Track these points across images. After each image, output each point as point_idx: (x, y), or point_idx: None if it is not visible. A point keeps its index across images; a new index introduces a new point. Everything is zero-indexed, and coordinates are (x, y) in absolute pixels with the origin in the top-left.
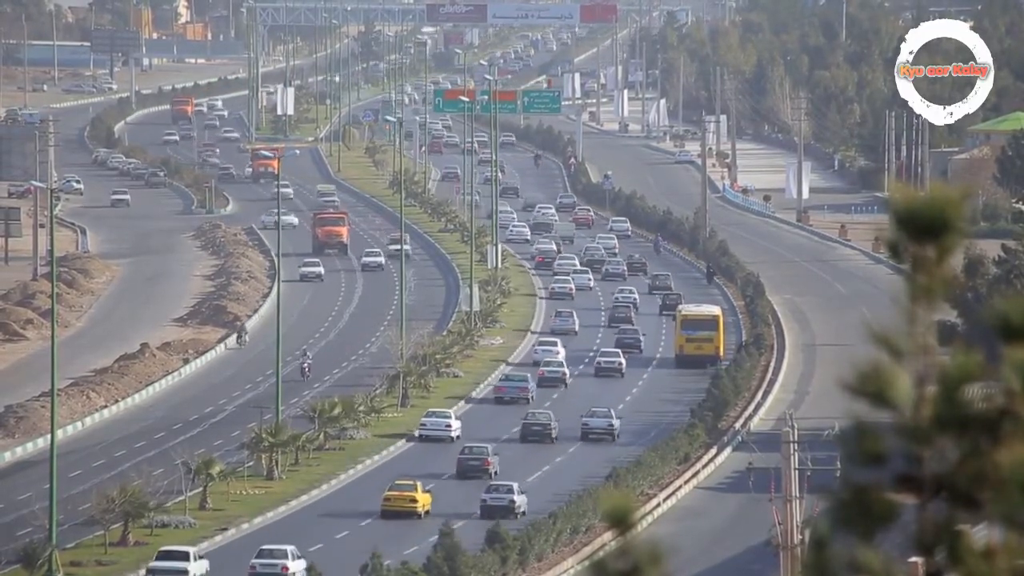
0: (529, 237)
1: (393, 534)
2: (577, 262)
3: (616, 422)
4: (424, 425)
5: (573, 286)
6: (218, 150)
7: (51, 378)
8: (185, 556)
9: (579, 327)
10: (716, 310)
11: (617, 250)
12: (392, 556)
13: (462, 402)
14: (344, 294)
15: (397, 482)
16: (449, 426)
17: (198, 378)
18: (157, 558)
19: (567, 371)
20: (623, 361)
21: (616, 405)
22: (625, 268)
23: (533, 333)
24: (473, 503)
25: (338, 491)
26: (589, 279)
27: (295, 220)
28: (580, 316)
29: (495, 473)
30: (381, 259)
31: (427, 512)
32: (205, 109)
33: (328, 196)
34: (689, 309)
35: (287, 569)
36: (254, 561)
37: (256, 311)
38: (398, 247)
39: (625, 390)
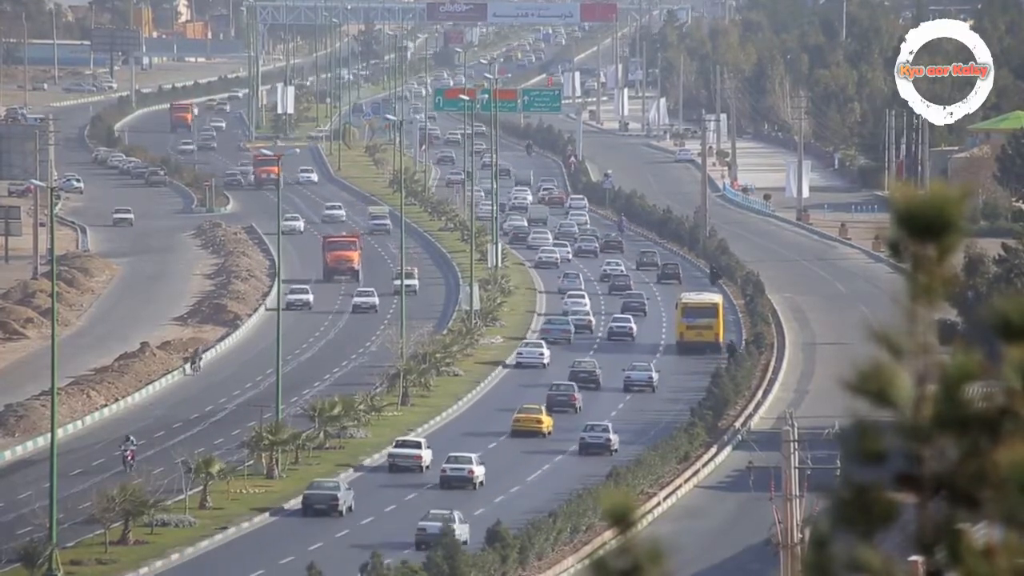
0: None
1: (393, 533)
2: (551, 237)
3: (655, 375)
4: (521, 354)
5: (558, 256)
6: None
7: (51, 377)
8: (418, 445)
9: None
10: (716, 298)
11: (589, 227)
12: (392, 555)
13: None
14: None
15: (525, 405)
16: (542, 355)
17: (197, 377)
18: (395, 446)
19: (592, 319)
20: (634, 326)
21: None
22: (597, 245)
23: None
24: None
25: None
26: (568, 252)
27: (301, 225)
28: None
29: (580, 408)
30: (374, 299)
31: (550, 432)
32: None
33: (380, 219)
34: (690, 297)
35: (472, 472)
36: (444, 466)
37: (256, 311)
38: (406, 282)
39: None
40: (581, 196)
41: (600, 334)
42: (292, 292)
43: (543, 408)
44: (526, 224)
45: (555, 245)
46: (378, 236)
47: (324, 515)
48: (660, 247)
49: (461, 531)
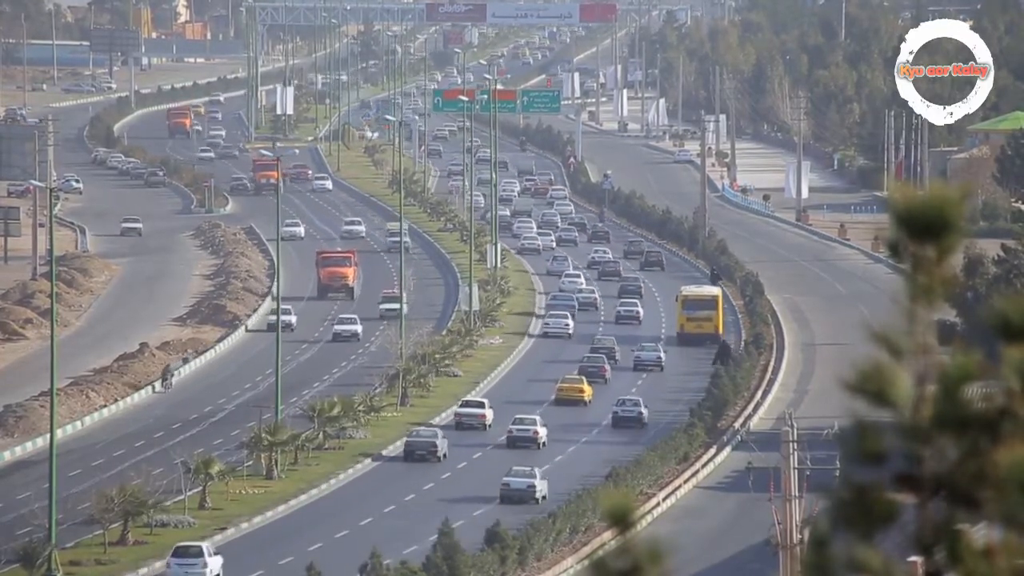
0: (482, 203)
1: (393, 533)
2: (535, 227)
3: (663, 355)
4: (548, 324)
5: (540, 243)
6: (310, 172)
7: (51, 377)
8: (481, 404)
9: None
10: (716, 290)
11: (574, 216)
12: (391, 555)
13: (533, 318)
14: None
15: (567, 376)
16: (568, 325)
17: (197, 378)
18: (460, 406)
19: (597, 296)
20: (641, 310)
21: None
22: (577, 234)
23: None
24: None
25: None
26: (551, 240)
27: (302, 231)
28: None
29: (608, 379)
30: (357, 327)
31: (591, 400)
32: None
33: (397, 236)
34: (690, 290)
35: (537, 433)
36: (511, 427)
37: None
38: (392, 306)
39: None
40: (561, 187)
41: (602, 314)
42: (274, 313)
43: (583, 378)
44: (508, 214)
45: (538, 234)
46: (395, 253)
47: (424, 460)
48: (646, 239)
49: (541, 487)
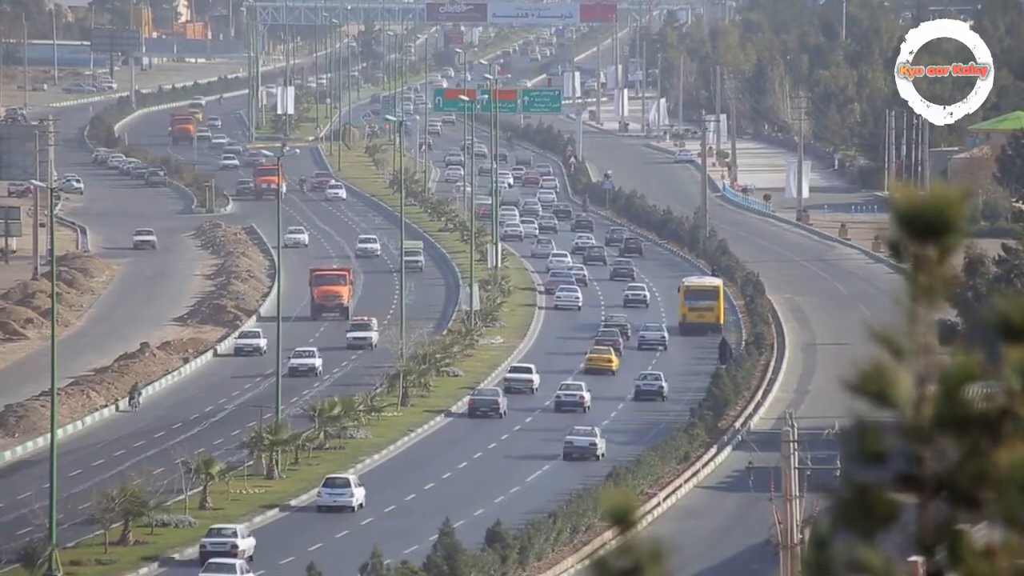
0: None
1: (393, 533)
2: (517, 214)
3: (667, 335)
4: (559, 297)
5: (522, 231)
6: (333, 182)
7: (51, 377)
8: (529, 370)
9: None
10: (717, 281)
11: (556, 204)
12: (392, 555)
13: (539, 293)
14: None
15: (595, 347)
16: (578, 298)
17: (198, 377)
18: (510, 372)
19: (586, 274)
20: (648, 294)
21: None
22: (556, 222)
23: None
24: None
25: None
26: (534, 228)
27: (305, 238)
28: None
29: (622, 352)
30: (315, 360)
31: (617, 370)
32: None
33: (413, 255)
34: (692, 280)
35: (583, 398)
36: (559, 392)
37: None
38: (361, 335)
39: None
40: (553, 176)
41: (601, 297)
42: (243, 337)
43: (611, 349)
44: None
45: (521, 222)
46: (408, 272)
47: (487, 417)
48: (625, 227)
49: (600, 444)
